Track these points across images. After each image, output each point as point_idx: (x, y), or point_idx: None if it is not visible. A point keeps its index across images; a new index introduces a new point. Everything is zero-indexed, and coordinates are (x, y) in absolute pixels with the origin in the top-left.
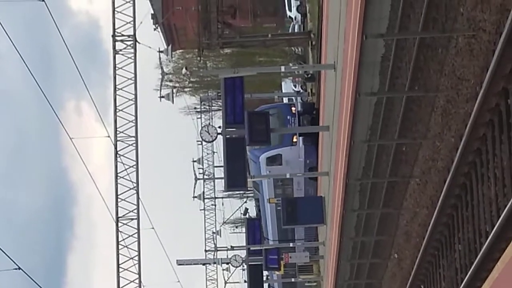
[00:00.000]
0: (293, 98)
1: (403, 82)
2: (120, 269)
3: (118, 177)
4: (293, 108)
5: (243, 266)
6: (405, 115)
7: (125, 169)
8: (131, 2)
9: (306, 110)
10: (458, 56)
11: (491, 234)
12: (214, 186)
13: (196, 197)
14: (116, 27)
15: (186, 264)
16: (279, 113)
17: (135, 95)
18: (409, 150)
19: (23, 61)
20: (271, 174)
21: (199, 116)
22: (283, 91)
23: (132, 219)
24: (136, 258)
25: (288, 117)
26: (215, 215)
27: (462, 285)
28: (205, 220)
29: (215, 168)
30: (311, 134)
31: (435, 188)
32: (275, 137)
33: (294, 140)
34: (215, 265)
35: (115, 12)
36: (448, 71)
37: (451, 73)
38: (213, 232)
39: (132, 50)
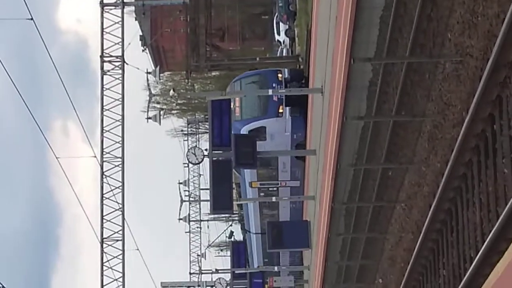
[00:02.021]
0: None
1: (390, 107)
2: None
3: (104, 198)
4: (279, 75)
5: None
6: (391, 140)
7: (111, 190)
8: (120, 23)
9: (294, 76)
10: (445, 82)
11: (476, 260)
12: (200, 209)
13: (181, 219)
14: (104, 47)
15: (171, 287)
16: (263, 80)
17: (123, 116)
18: (395, 174)
19: (11, 79)
20: (255, 198)
21: (186, 138)
22: None
23: (117, 240)
24: (121, 279)
25: (274, 85)
26: (200, 237)
27: None
28: (190, 242)
29: (201, 191)
30: (299, 103)
31: (421, 213)
32: (258, 106)
33: (280, 110)
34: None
35: (104, 32)
36: (435, 96)
37: (438, 98)
38: (198, 255)
39: (120, 71)
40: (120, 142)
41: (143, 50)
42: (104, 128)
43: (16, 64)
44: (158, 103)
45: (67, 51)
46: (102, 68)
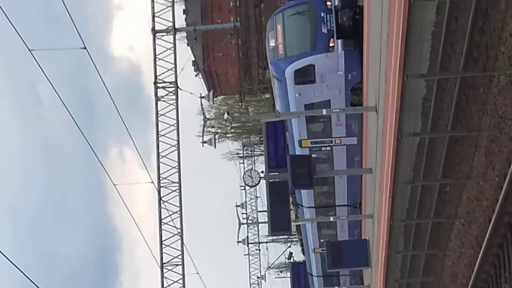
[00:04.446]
0: None
1: (445, 122)
2: None
3: (162, 223)
4: (328, 3)
5: None
6: (448, 155)
7: (169, 215)
8: (172, 49)
9: (345, 3)
10: (500, 95)
11: None
12: (258, 231)
13: (240, 242)
14: (157, 74)
15: None
16: (310, 10)
17: (178, 141)
18: (453, 190)
19: (66, 108)
20: (312, 218)
21: (241, 161)
22: None
23: (177, 265)
24: None
25: (322, 15)
26: (260, 259)
27: None
28: (249, 265)
29: (259, 213)
30: (353, 34)
31: (480, 228)
32: (304, 40)
33: (331, 44)
34: None
35: (157, 59)
36: (490, 110)
37: (493, 112)
38: (258, 277)
39: (174, 97)
40: (177, 167)
41: (196, 75)
42: (160, 154)
43: (71, 92)
44: (212, 127)
45: (121, 78)
46: (156, 94)
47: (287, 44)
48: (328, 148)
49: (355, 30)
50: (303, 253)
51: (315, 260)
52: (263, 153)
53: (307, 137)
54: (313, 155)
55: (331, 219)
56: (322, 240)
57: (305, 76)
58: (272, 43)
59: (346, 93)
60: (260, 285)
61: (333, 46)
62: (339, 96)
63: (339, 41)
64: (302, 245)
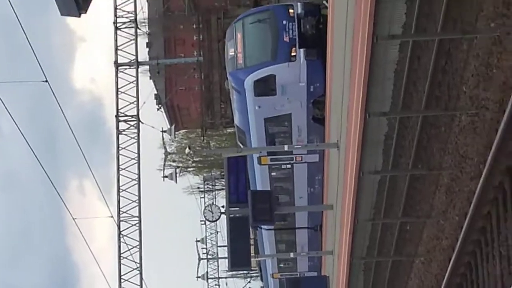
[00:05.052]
0: None
1: (406, 161)
2: None
3: (122, 257)
4: (290, 10)
5: None
6: (409, 194)
7: (129, 249)
8: (135, 82)
9: (308, 11)
10: (461, 134)
11: None
12: (218, 266)
13: (199, 277)
14: (119, 107)
15: None
16: (271, 18)
17: (139, 175)
18: (414, 228)
19: (26, 141)
20: (273, 253)
21: (202, 196)
22: None
23: None
24: None
25: (284, 22)
26: None
27: None
28: None
29: (219, 248)
30: (316, 43)
31: (440, 266)
32: (265, 49)
33: (293, 53)
34: None
35: (119, 92)
36: (452, 149)
37: (454, 151)
38: None
39: (136, 130)
40: (137, 201)
41: (158, 109)
42: (121, 188)
43: (32, 125)
44: (174, 161)
45: (82, 111)
46: (117, 127)
47: (247, 53)
48: (289, 166)
49: (319, 39)
50: (261, 279)
51: (273, 287)
52: (224, 187)
53: (266, 153)
54: (272, 173)
55: (291, 255)
56: (281, 265)
57: (265, 87)
58: (231, 52)
59: (308, 106)
60: None
61: (295, 56)
62: (301, 109)
63: (302, 50)
64: (260, 270)
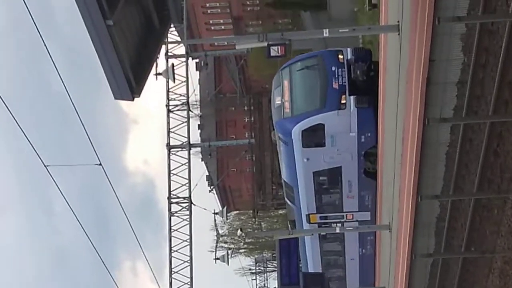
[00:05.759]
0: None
1: (459, 243)
2: None
3: None
4: (340, 56)
5: None
6: (462, 277)
7: None
8: (187, 164)
9: (359, 57)
10: None
11: None
12: None
13: None
14: (171, 188)
15: None
16: (319, 64)
17: (191, 256)
18: None
19: (78, 221)
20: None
21: (254, 277)
22: None
23: None
24: None
25: (333, 68)
26: None
27: None
28: None
29: None
30: (367, 89)
31: None
32: (314, 96)
33: (343, 101)
34: None
35: (171, 174)
36: (505, 232)
37: (507, 234)
38: None
39: (188, 212)
40: (189, 283)
41: (210, 191)
42: (173, 269)
43: (85, 206)
44: (225, 242)
45: (135, 192)
46: (169, 209)
47: (294, 101)
48: (339, 225)
49: (370, 86)
50: None
51: None
52: (275, 269)
53: (315, 211)
54: (322, 233)
55: None
56: None
57: (313, 137)
58: (277, 101)
59: (359, 159)
60: None
61: (345, 103)
62: (351, 162)
63: (352, 97)
64: None
